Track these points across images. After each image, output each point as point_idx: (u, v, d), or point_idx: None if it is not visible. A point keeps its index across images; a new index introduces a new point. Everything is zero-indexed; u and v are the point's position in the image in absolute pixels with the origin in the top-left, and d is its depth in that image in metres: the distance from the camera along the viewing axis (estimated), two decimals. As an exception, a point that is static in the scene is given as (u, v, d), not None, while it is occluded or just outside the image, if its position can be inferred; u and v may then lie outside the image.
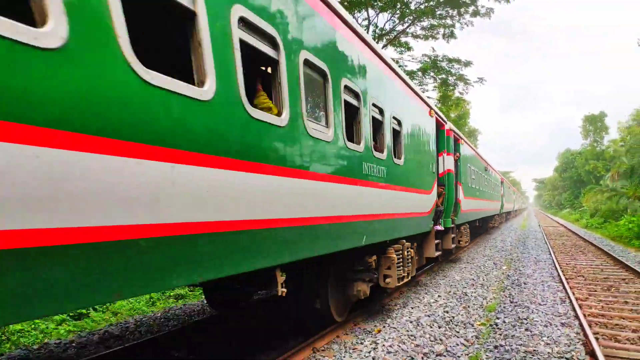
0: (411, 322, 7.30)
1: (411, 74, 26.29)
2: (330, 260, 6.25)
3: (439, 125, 10.79)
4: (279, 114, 4.16)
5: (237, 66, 3.52)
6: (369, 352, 5.98)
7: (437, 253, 10.12)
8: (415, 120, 8.56)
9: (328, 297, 6.54)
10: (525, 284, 10.57)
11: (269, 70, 4.37)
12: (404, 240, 8.03)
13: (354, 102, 5.86)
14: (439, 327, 7.13)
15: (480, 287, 10.23)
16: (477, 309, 8.38)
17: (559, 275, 11.59)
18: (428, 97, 11.37)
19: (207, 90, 3.21)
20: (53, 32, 2.30)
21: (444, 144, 11.18)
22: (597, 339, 6.63)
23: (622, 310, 8.50)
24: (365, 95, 6.14)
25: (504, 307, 8.59)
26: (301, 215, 4.46)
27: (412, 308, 8.22)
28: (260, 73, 5.17)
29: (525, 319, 7.62)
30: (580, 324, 7.25)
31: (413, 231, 8.43)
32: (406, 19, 23.96)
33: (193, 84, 3.19)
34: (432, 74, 26.06)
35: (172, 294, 9.92)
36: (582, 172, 69.10)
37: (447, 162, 11.18)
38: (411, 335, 6.65)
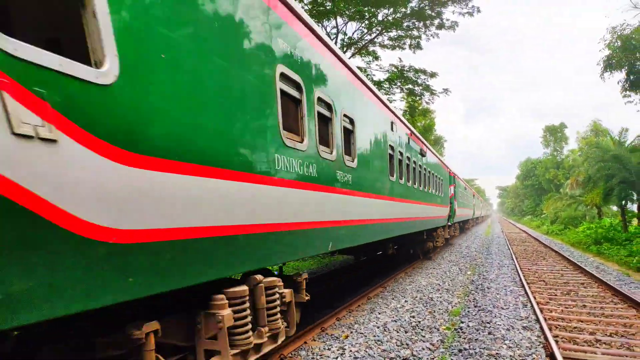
0: (378, 327, 7.47)
1: (379, 83, 26.81)
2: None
3: (449, 172, 21.47)
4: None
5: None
6: (336, 358, 6.10)
7: (447, 237, 20.97)
8: (441, 174, 18.17)
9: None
10: (488, 288, 10.95)
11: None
12: (441, 228, 18.31)
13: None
14: (406, 332, 7.32)
15: (445, 292, 10.54)
16: (442, 314, 8.64)
17: (521, 280, 12.06)
18: (403, 117, 12.85)
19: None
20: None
21: (450, 181, 21.13)
22: (556, 341, 6.96)
23: (581, 313, 8.93)
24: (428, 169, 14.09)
25: (469, 311, 8.88)
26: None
27: (379, 313, 8.40)
28: None
29: (489, 323, 7.92)
30: (541, 327, 7.58)
31: (443, 224, 18.06)
32: (374, 29, 24.50)
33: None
34: (399, 83, 26.65)
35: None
36: (543, 181, 71.20)
37: (451, 190, 21.10)
38: (378, 341, 6.81)
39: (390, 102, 24.54)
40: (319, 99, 6.06)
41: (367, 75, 26.56)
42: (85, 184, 2.62)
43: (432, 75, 25.63)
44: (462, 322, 8.03)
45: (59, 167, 2.47)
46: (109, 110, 2.79)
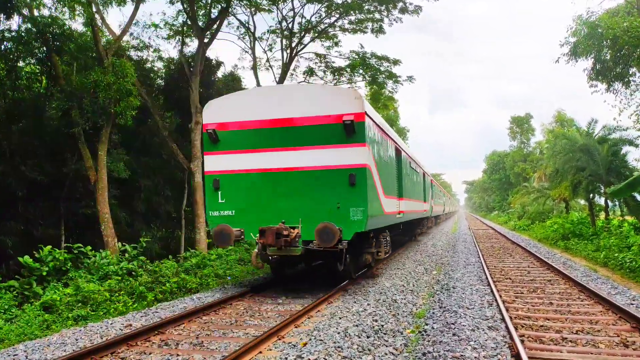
0: (339, 333, 7.42)
1: (339, 70, 26.74)
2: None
3: (430, 179, 28.79)
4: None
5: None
6: (294, 368, 6.00)
7: (429, 225, 32.93)
8: (425, 180, 26.20)
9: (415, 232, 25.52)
10: (454, 288, 11.12)
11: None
12: (425, 219, 26.19)
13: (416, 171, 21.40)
14: (368, 337, 7.30)
15: (410, 293, 10.63)
16: (406, 316, 8.69)
17: (487, 278, 12.32)
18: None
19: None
20: None
21: (431, 186, 28.30)
22: (522, 341, 7.09)
23: (547, 311, 9.17)
24: (422, 170, 24.16)
25: (433, 312, 8.97)
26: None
27: (340, 318, 8.36)
28: None
29: (454, 324, 8.01)
30: (507, 327, 7.72)
31: (427, 215, 26.17)
32: (333, 13, 24.37)
33: None
34: (361, 71, 26.68)
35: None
36: (511, 174, 71.05)
37: (430, 192, 27.02)
38: (338, 347, 6.75)
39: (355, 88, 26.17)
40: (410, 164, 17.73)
41: (327, 62, 26.48)
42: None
43: (395, 62, 25.79)
44: (426, 325, 8.10)
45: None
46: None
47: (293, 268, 13.32)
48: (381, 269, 14.32)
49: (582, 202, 36.08)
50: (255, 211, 10.24)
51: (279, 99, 10.38)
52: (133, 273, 12.77)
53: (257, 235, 9.68)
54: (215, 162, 10.64)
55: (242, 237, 10.25)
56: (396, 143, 14.80)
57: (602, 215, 26.58)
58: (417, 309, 9.24)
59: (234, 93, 11.77)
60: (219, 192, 10.56)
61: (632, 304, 9.59)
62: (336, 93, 10.47)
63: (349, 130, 9.69)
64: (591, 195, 25.17)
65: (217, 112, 10.68)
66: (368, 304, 9.35)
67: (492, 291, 10.57)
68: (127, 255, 14.15)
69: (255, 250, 9.96)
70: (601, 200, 26.21)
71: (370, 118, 10.57)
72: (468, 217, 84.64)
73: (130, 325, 8.32)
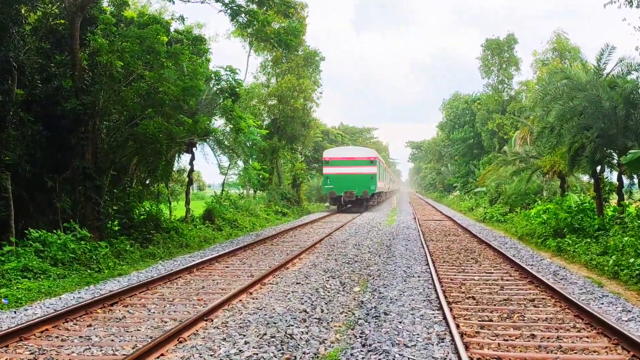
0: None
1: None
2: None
3: (384, 169, 52.90)
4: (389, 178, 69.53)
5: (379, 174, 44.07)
6: None
7: (378, 199, 50.22)
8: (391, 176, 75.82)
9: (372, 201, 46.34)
10: (387, 314, 8.30)
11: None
12: (377, 194, 44.89)
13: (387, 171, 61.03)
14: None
15: (316, 323, 7.79)
16: (307, 362, 5.96)
17: (437, 298, 9.40)
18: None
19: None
20: None
21: (384, 173, 51.17)
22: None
23: (527, 348, 6.61)
24: (385, 171, 53.58)
25: (352, 353, 6.30)
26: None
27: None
28: None
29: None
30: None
31: (377, 191, 43.04)
32: None
33: None
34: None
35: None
36: (483, 133, 50.64)
37: (377, 175, 40.70)
38: None
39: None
40: (382, 167, 48.72)
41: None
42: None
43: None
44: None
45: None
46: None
47: (347, 206, 38.90)
48: (269, 284, 11.34)
49: (586, 178, 27.89)
50: (340, 187, 36.46)
51: (349, 149, 41.77)
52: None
53: (343, 193, 36.27)
54: (327, 170, 37.65)
55: (337, 194, 36.55)
56: (383, 163, 49.89)
57: (614, 200, 19.68)
58: (326, 350, 6.52)
59: (334, 148, 45.25)
60: (328, 180, 37.06)
61: (652, 336, 7.03)
62: (367, 149, 43.04)
63: (371, 162, 38.10)
64: (599, 168, 18.53)
65: (328, 153, 39.24)
66: (246, 342, 6.55)
67: (444, 318, 7.83)
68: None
69: (341, 198, 37.02)
70: (613, 177, 19.35)
71: (378, 158, 40.74)
72: (414, 201, 64.04)
73: None
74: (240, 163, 31.89)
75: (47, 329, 7.46)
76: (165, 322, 7.94)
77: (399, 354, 6.23)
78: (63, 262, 12.12)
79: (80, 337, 7.15)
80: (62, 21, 15.56)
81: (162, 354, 6.24)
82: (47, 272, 11.34)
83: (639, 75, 16.88)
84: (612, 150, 17.25)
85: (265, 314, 8.13)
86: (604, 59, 17.73)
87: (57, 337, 7.18)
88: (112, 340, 7.00)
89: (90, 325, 7.78)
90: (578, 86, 17.22)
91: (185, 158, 23.60)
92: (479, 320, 7.96)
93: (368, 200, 38.55)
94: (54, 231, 13.11)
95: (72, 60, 14.75)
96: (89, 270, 12.23)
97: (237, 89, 19.68)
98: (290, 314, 8.10)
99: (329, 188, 36.90)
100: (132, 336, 7.20)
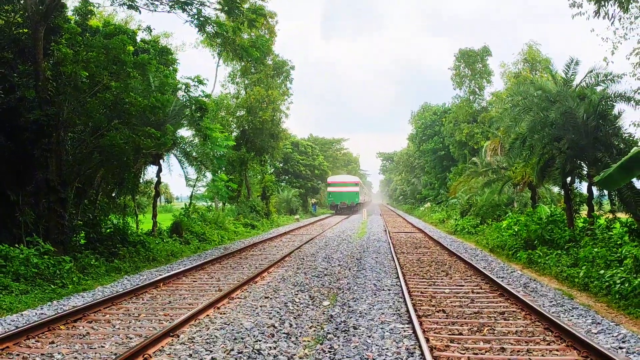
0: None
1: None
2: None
3: (363, 188, 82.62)
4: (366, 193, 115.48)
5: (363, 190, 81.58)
6: None
7: (360, 207, 74.90)
8: (366, 191, 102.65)
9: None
10: (356, 328, 8.30)
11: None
12: (360, 203, 74.04)
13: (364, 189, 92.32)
14: None
15: (284, 338, 7.75)
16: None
17: (407, 311, 9.43)
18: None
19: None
20: None
21: (363, 190, 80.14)
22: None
23: (497, 362, 6.65)
24: (363, 188, 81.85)
25: (321, 370, 6.27)
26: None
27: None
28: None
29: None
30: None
31: (361, 202, 75.42)
32: None
33: None
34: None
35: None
36: (452, 144, 50.72)
37: (360, 192, 71.05)
38: None
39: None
40: (362, 187, 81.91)
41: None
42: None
43: None
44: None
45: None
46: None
47: (342, 210, 63.45)
48: (237, 299, 11.23)
49: (556, 189, 28.30)
50: (337, 199, 63.56)
51: (343, 177, 70.47)
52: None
53: (339, 203, 63.14)
54: (330, 189, 65.03)
55: (335, 203, 63.34)
56: (362, 184, 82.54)
57: (584, 211, 19.21)
58: (294, 366, 6.49)
59: (334, 175, 71.23)
60: (331, 195, 64.93)
61: (620, 348, 7.17)
62: (354, 177, 74.21)
63: (356, 184, 66.77)
64: (569, 179, 18.33)
65: (331, 179, 66.17)
66: (213, 359, 6.53)
67: (414, 332, 7.86)
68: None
69: (338, 206, 63.91)
70: (583, 187, 18.79)
71: (360, 183, 73.21)
72: (385, 213, 68.80)
73: None
74: (209, 175, 31.51)
75: (7, 347, 7.28)
76: (131, 339, 7.81)
77: (369, 370, 6.26)
78: (25, 278, 11.87)
79: (42, 354, 7.00)
80: (26, 30, 15.22)
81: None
82: (9, 287, 11.14)
83: (607, 87, 16.91)
84: (582, 162, 17.24)
85: (233, 329, 8.07)
86: (570, 71, 18.04)
87: (18, 354, 7.02)
88: (75, 358, 6.88)
89: (52, 343, 7.61)
90: (549, 97, 17.27)
91: (152, 170, 23.30)
92: (449, 334, 8.02)
93: (354, 207, 64.70)
94: (16, 245, 12.80)
95: (35, 70, 14.38)
96: (52, 286, 11.98)
97: (205, 106, 19.32)
98: (259, 329, 8.05)
99: (331, 200, 64.21)
100: (95, 353, 7.08)
